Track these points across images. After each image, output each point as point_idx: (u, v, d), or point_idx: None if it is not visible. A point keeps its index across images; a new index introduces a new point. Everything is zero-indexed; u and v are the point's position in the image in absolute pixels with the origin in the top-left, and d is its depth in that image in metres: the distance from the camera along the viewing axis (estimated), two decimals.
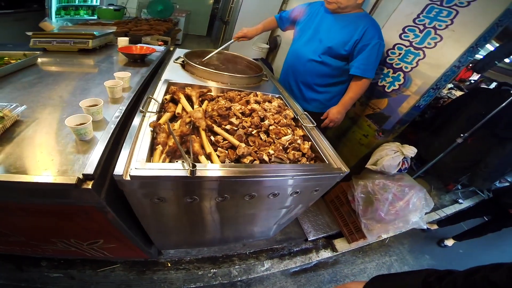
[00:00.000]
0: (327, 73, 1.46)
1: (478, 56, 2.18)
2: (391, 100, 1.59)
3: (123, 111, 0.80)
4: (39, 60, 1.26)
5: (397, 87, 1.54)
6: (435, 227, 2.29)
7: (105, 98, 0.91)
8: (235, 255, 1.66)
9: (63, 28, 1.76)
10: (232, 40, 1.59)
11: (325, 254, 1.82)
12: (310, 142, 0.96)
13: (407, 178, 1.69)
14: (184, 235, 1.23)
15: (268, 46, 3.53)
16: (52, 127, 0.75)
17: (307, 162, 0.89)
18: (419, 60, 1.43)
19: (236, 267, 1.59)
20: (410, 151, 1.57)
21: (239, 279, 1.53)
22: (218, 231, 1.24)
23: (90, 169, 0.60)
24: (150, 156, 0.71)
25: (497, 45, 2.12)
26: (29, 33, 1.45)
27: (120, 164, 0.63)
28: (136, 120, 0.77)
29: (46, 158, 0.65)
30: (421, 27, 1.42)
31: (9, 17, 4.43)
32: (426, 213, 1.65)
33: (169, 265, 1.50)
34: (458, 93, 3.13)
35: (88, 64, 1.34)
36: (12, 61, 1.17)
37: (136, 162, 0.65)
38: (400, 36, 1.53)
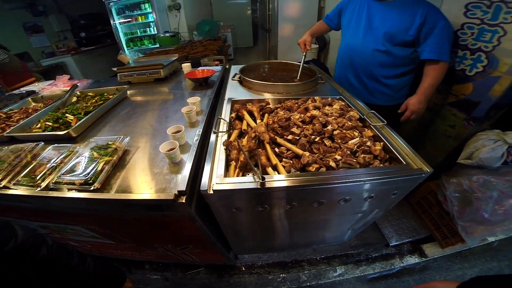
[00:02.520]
0: (392, 63, 1.42)
1: None
2: (476, 84, 1.42)
3: (200, 134, 0.97)
4: (128, 92, 1.61)
5: (481, 69, 1.38)
6: None
7: (184, 123, 1.12)
8: (305, 261, 1.71)
9: (137, 60, 2.19)
10: (304, 54, 1.65)
11: (411, 260, 1.71)
12: (381, 143, 0.92)
13: None
14: (257, 241, 1.35)
15: (317, 46, 3.49)
16: (150, 153, 0.97)
17: (381, 165, 0.86)
18: (499, 37, 1.26)
19: (305, 272, 1.65)
20: None
21: (308, 284, 1.58)
22: (288, 237, 1.30)
23: (182, 186, 0.76)
24: (226, 171, 0.83)
25: None
26: (115, 69, 1.88)
27: (204, 180, 0.77)
28: (211, 140, 0.92)
29: (150, 179, 0.85)
30: (487, 2, 1.29)
31: (93, 53, 5.82)
32: None
33: (243, 269, 1.67)
34: None
35: (164, 91, 1.65)
36: (110, 96, 1.55)
37: (216, 177, 0.77)
38: (465, 14, 1.40)
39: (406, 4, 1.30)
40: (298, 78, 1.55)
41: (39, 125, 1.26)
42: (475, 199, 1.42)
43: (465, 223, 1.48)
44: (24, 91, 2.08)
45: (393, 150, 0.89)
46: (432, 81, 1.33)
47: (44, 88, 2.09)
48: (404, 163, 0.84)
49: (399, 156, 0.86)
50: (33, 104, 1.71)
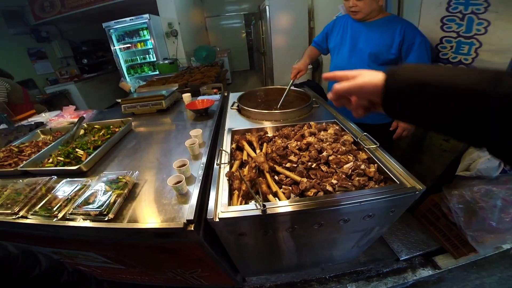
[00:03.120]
0: None
1: None
2: None
3: (204, 167, 1.06)
4: (132, 124, 1.71)
5: None
6: None
7: (188, 156, 1.21)
8: (314, 280, 1.72)
9: (139, 90, 2.30)
10: (292, 81, 1.71)
11: (425, 272, 1.72)
12: (375, 165, 0.99)
13: None
14: (263, 263, 1.39)
15: (311, 66, 3.65)
16: (158, 186, 1.05)
17: (376, 186, 0.93)
18: (476, 49, 1.33)
19: None
20: None
21: None
22: (294, 257, 1.34)
23: (190, 215, 0.84)
24: (230, 200, 0.90)
25: None
26: (119, 100, 1.99)
27: (210, 209, 0.84)
28: (215, 172, 1.01)
29: (159, 209, 0.92)
30: (460, 15, 1.36)
31: (95, 80, 6.09)
32: None
33: None
34: None
35: (167, 122, 1.75)
36: (116, 129, 1.64)
37: (221, 206, 0.85)
38: (442, 28, 1.47)
39: (386, 23, 1.40)
40: (279, 106, 1.59)
41: (51, 160, 1.34)
42: (479, 209, 1.45)
43: (474, 233, 1.51)
44: (32, 122, 2.20)
45: (387, 171, 0.95)
46: None
47: (52, 119, 2.21)
48: (398, 182, 0.90)
49: (392, 176, 0.92)
50: (42, 136, 1.80)
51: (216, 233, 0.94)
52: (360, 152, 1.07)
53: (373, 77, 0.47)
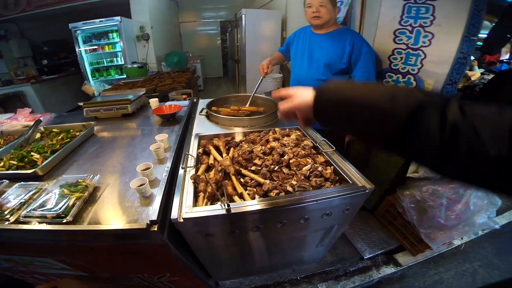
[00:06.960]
0: None
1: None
2: None
3: (169, 170, 1.08)
4: (95, 128, 1.66)
5: None
6: None
7: (153, 160, 1.21)
8: (286, 281, 1.78)
9: (104, 93, 2.21)
10: (262, 77, 1.83)
11: (388, 270, 1.85)
12: (332, 167, 1.09)
13: None
14: (235, 265, 1.42)
15: (281, 75, 3.84)
16: (121, 189, 1.05)
17: (332, 186, 1.03)
18: (422, 60, 1.50)
19: None
20: None
21: None
22: (264, 258, 1.39)
23: (154, 216, 0.86)
24: (195, 202, 0.93)
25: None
26: (80, 104, 1.91)
27: (174, 210, 0.87)
28: (180, 175, 1.04)
29: (122, 212, 0.92)
30: (410, 28, 1.52)
31: (56, 82, 5.69)
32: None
33: None
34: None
35: (132, 127, 1.72)
36: (77, 133, 1.58)
37: (186, 207, 0.88)
38: (394, 40, 1.62)
39: (338, 35, 1.56)
40: (248, 105, 1.71)
41: (2, 164, 1.26)
42: (428, 207, 1.62)
43: (426, 230, 1.67)
44: None
45: (341, 172, 1.06)
46: None
47: (3, 122, 2.03)
48: (351, 182, 1.01)
49: (346, 177, 1.03)
50: None
51: (183, 236, 0.96)
52: (319, 156, 1.17)
53: (306, 96, 0.59)
